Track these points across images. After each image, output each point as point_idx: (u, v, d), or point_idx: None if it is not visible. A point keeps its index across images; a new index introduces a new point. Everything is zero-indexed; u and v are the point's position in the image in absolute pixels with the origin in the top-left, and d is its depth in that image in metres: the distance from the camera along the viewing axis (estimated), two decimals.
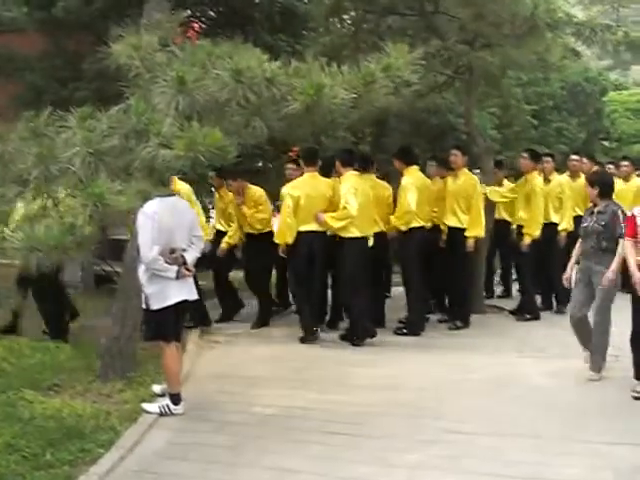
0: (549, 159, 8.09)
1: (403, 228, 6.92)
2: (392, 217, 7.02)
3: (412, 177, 6.94)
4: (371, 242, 6.66)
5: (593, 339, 5.32)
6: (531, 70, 11.37)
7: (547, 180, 7.84)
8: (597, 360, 5.31)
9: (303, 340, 6.56)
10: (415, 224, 6.91)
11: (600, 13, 10.93)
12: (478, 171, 7.86)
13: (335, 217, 6.43)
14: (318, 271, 6.69)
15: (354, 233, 6.44)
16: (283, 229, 6.65)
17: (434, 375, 5.46)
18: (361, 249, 6.49)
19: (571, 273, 5.57)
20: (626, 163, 9.23)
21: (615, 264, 5.16)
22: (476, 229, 7.07)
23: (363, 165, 7.09)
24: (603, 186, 5.44)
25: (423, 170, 7.34)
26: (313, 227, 6.55)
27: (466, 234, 7.04)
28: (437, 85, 8.79)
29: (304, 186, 6.64)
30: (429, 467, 3.80)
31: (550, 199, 7.71)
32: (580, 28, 8.26)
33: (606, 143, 16.93)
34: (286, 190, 6.72)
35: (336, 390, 5.06)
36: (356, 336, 6.47)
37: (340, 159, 6.69)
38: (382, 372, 5.55)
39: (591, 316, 5.38)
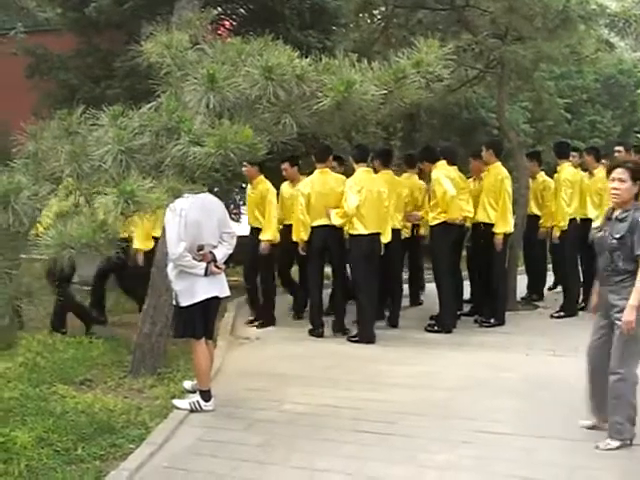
0: (621, 148, 7.95)
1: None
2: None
3: (442, 169, 6.89)
4: (387, 239, 6.58)
5: (618, 396, 3.91)
6: (564, 63, 11.17)
7: (591, 174, 7.70)
8: (620, 423, 3.91)
9: (313, 333, 6.64)
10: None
11: (635, 4, 10.66)
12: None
13: (337, 214, 6.47)
14: (336, 265, 6.70)
15: (359, 230, 6.43)
16: (298, 226, 6.77)
17: (466, 374, 5.40)
18: (366, 246, 6.44)
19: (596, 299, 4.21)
20: (619, 148, 8.32)
21: (636, 298, 3.69)
22: (504, 225, 6.96)
23: (383, 161, 7.08)
24: None
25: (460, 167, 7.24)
26: (326, 221, 6.59)
27: (494, 230, 6.94)
28: (468, 79, 8.72)
29: (314, 183, 6.72)
30: (460, 468, 3.76)
31: (589, 193, 7.56)
32: (614, 19, 8.09)
33: None
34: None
35: (367, 388, 5.04)
36: (359, 336, 6.46)
37: (352, 155, 6.76)
38: (414, 370, 5.51)
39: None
